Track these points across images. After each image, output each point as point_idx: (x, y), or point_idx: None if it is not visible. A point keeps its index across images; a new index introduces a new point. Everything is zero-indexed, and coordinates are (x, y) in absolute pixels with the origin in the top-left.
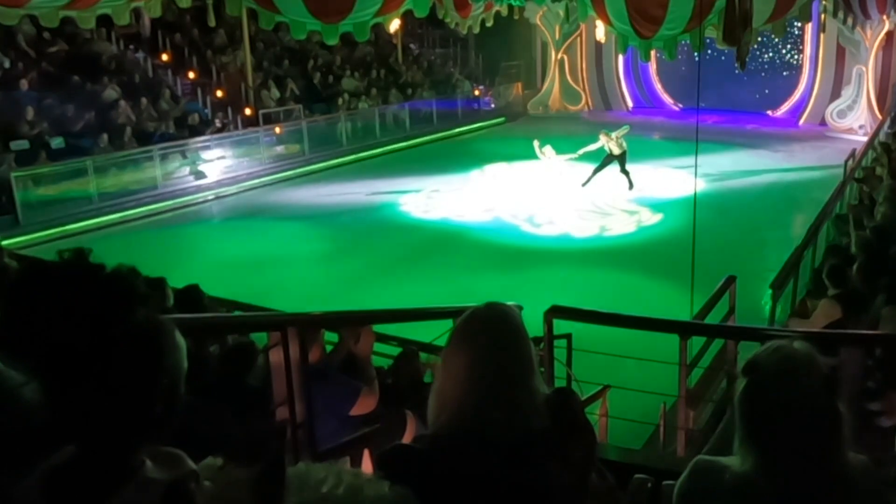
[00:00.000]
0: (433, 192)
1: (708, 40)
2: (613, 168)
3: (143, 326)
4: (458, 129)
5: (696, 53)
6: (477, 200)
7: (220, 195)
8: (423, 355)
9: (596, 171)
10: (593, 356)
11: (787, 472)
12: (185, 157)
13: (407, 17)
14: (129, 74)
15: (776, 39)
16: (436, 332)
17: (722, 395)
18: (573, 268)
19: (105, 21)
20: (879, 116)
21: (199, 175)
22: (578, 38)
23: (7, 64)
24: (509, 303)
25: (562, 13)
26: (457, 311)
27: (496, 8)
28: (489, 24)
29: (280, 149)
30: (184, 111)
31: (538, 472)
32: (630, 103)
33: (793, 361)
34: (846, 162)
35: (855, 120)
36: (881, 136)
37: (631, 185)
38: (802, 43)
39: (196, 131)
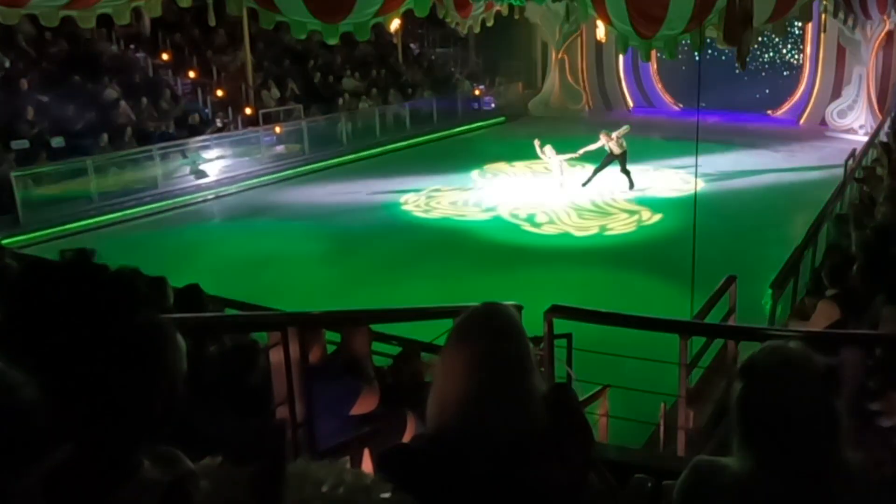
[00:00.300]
0: (433, 191)
1: (708, 40)
2: (614, 168)
3: (144, 327)
4: (458, 129)
5: (696, 53)
6: (477, 200)
7: (221, 195)
8: (423, 355)
9: (596, 170)
10: (593, 356)
11: (784, 472)
12: (185, 156)
13: (407, 16)
14: (130, 74)
15: (777, 39)
16: (436, 332)
17: (722, 394)
18: (573, 267)
19: (105, 21)
20: (880, 116)
21: (200, 175)
22: (579, 38)
23: (8, 63)
24: (508, 302)
25: (562, 13)
26: (456, 311)
27: (497, 8)
28: (489, 23)
29: (280, 148)
30: (184, 111)
31: (538, 471)
32: (630, 103)
33: (788, 362)
34: (846, 162)
35: (855, 120)
36: (881, 136)
37: (631, 185)
38: (803, 43)
39: (196, 131)
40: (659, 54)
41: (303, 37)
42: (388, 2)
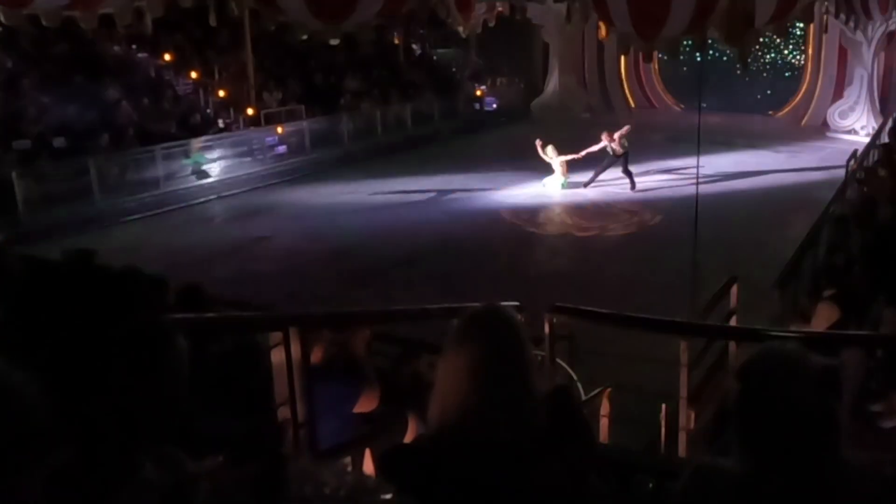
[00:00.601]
0: (435, 192)
1: (710, 41)
2: (616, 168)
3: (145, 328)
4: (459, 130)
5: (697, 54)
6: (479, 200)
7: (223, 195)
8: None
9: (598, 171)
10: (594, 356)
11: (784, 473)
12: (187, 156)
13: (408, 17)
14: (132, 74)
15: (778, 40)
16: (437, 332)
17: (723, 396)
18: (574, 267)
19: (107, 21)
20: (881, 117)
21: (202, 175)
22: (580, 39)
23: (10, 63)
24: (508, 303)
25: (563, 13)
26: (457, 311)
27: (498, 8)
28: (491, 24)
29: (282, 149)
30: (186, 111)
31: (538, 472)
32: (632, 103)
33: (784, 364)
34: (848, 163)
35: (857, 121)
36: (883, 138)
37: (633, 186)
38: (805, 44)
39: (198, 131)
40: (660, 55)
41: (304, 37)
42: (390, 3)
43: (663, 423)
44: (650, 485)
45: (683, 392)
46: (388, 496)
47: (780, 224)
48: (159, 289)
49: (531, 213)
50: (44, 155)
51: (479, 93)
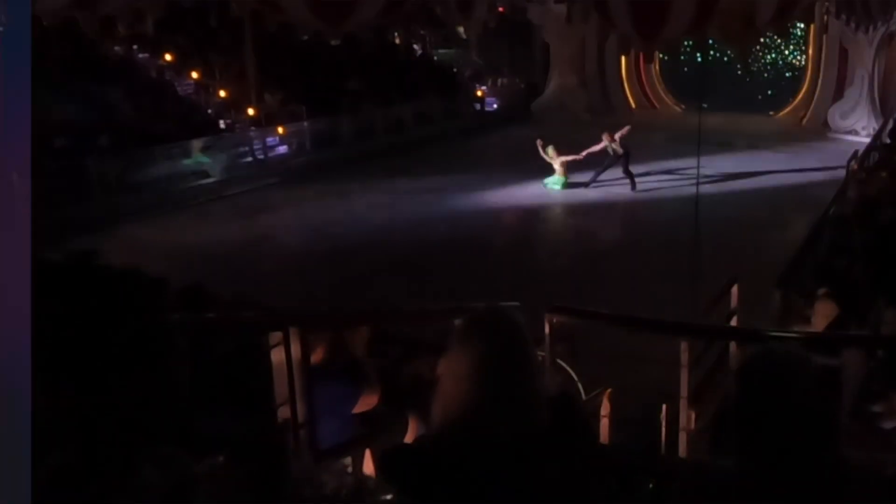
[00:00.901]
0: (435, 192)
1: (710, 41)
2: (616, 168)
3: (146, 328)
4: (460, 130)
5: (698, 54)
6: (479, 200)
7: (223, 195)
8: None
9: (599, 171)
10: (595, 356)
11: (782, 473)
12: (187, 157)
13: (409, 17)
14: (133, 74)
15: (779, 41)
16: (437, 333)
17: (723, 396)
18: (575, 268)
19: (108, 21)
20: (882, 117)
21: (202, 175)
22: (581, 39)
23: None
24: (509, 303)
25: (564, 13)
26: (458, 311)
27: (499, 9)
28: (491, 24)
29: (282, 149)
30: (187, 111)
31: (540, 472)
32: (633, 104)
33: (783, 364)
34: (849, 163)
35: (858, 121)
36: (884, 138)
37: (634, 186)
38: (805, 44)
39: (199, 131)
40: (661, 55)
41: (305, 37)
42: (391, 4)
43: (663, 423)
44: (650, 485)
45: (684, 392)
46: (389, 497)
47: (780, 224)
48: (160, 289)
49: (531, 214)
50: (44, 155)
51: (479, 93)
